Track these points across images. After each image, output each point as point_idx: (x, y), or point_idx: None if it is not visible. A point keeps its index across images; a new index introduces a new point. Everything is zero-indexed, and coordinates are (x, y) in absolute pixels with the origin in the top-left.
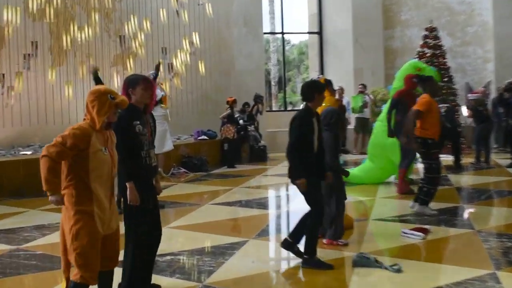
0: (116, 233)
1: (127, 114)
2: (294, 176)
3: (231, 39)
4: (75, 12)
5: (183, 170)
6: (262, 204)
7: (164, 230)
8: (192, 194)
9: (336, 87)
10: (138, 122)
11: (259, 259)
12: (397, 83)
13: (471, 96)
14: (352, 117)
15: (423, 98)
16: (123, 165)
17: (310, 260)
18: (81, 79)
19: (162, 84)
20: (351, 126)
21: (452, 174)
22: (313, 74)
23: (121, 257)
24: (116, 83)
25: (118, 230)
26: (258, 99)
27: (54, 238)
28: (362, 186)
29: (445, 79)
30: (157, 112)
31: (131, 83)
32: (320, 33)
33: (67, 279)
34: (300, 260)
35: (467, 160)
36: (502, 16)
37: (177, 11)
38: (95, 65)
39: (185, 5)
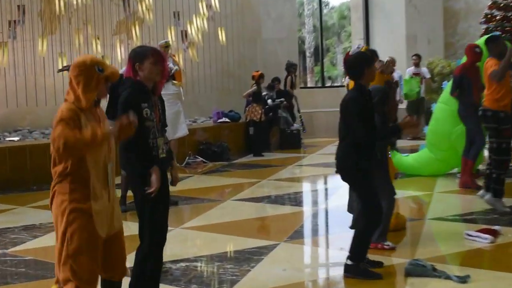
0: (119, 235)
1: (134, 93)
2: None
3: (257, 0)
4: None
5: (200, 159)
6: (295, 200)
7: (178, 231)
8: (211, 188)
9: (385, 58)
10: (146, 105)
11: (292, 267)
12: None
13: None
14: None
15: (490, 62)
16: (127, 152)
17: (355, 268)
18: (77, 50)
19: (174, 56)
20: (403, 106)
21: None
22: (356, 43)
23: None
24: (119, 55)
25: (122, 232)
26: (291, 67)
27: (47, 240)
28: (417, 178)
29: None
30: (169, 90)
31: (137, 56)
32: None
33: None
34: (341, 267)
35: None
36: None
37: None
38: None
39: None
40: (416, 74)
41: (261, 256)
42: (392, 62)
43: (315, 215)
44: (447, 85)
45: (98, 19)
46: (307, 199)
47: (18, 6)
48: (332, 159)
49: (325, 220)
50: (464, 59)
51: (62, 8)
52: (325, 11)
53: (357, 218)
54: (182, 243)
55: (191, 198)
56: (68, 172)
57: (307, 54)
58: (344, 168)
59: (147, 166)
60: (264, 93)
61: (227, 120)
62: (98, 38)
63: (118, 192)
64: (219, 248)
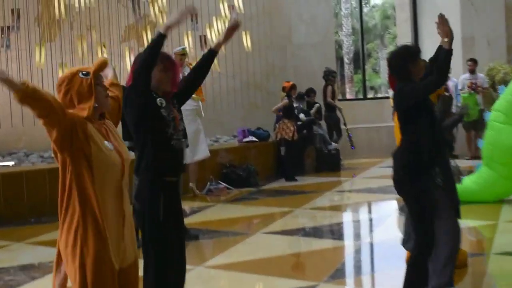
0: (134, 267)
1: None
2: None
3: None
4: None
5: (223, 185)
6: (336, 232)
7: (200, 270)
8: (236, 219)
9: None
10: (161, 101)
11: None
12: None
13: None
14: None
15: None
16: (141, 159)
17: None
18: (81, 59)
19: (191, 65)
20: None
21: None
22: None
23: None
24: (128, 64)
25: (137, 265)
26: (330, 75)
27: (47, 282)
28: (478, 204)
29: None
30: (186, 104)
31: None
32: None
33: None
34: None
35: None
36: None
37: None
38: None
39: None
40: (472, 85)
41: None
42: None
43: (358, 250)
44: (504, 91)
45: (104, 23)
46: (349, 231)
47: (12, 10)
48: (377, 183)
49: (370, 256)
50: None
51: (63, 12)
52: (365, 10)
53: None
54: (204, 284)
55: (213, 231)
56: (69, 202)
57: (345, 60)
58: (399, 175)
59: (161, 173)
60: (295, 105)
61: (254, 139)
62: (104, 46)
63: None
64: None
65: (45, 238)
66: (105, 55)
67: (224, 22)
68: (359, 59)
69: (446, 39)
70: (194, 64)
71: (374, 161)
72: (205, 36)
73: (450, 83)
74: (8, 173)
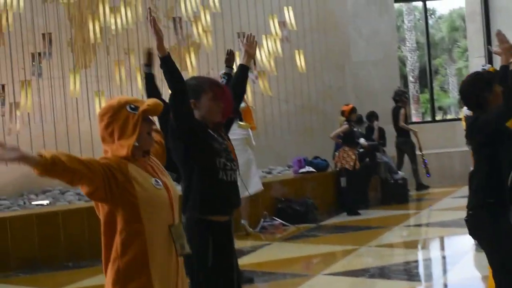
0: None
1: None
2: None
3: (344, 13)
4: None
5: (278, 221)
6: (406, 272)
7: None
8: (294, 259)
9: None
10: (210, 132)
11: None
12: None
13: None
14: None
15: None
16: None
17: None
18: (118, 87)
19: None
20: None
21: None
22: (476, 63)
23: None
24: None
25: None
26: (403, 96)
27: None
28: None
29: None
30: (235, 133)
31: (192, 90)
32: None
33: None
34: None
35: None
36: None
37: None
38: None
39: None
40: None
41: None
42: None
43: None
44: None
45: (143, 46)
46: (420, 271)
47: (43, 34)
48: (450, 216)
49: None
50: None
51: (98, 35)
52: (431, 22)
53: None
54: None
55: (269, 273)
56: (116, 254)
57: (410, 78)
58: (472, 209)
59: (210, 212)
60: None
61: (311, 169)
62: (151, 53)
63: None
64: None
65: (85, 284)
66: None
67: (275, 41)
68: (425, 77)
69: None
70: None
71: (447, 190)
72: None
73: None
74: (43, 213)
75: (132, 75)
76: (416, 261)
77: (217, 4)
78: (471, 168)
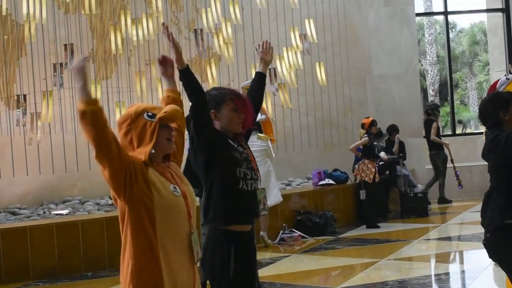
0: None
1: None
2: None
3: (366, 26)
4: None
5: (297, 233)
6: (426, 286)
7: None
8: (313, 271)
9: None
10: (231, 142)
11: None
12: None
13: None
14: None
15: None
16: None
17: None
18: (139, 97)
19: None
20: None
21: None
22: (497, 76)
23: None
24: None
25: None
26: (436, 109)
27: None
28: None
29: None
30: (254, 145)
31: (213, 100)
32: (507, 9)
33: None
34: None
35: None
36: None
37: None
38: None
39: None
40: None
41: None
42: None
43: None
44: None
45: None
46: (439, 285)
47: (65, 45)
48: (470, 230)
49: None
50: None
51: (119, 46)
52: (451, 35)
53: None
54: None
55: (288, 284)
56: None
57: (430, 91)
58: (490, 231)
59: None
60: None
61: (330, 182)
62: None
63: None
64: None
65: None
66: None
67: (296, 54)
68: (446, 90)
69: None
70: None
71: (466, 204)
72: (274, 69)
73: None
74: (62, 223)
75: (153, 86)
76: (436, 275)
77: (238, 16)
78: None
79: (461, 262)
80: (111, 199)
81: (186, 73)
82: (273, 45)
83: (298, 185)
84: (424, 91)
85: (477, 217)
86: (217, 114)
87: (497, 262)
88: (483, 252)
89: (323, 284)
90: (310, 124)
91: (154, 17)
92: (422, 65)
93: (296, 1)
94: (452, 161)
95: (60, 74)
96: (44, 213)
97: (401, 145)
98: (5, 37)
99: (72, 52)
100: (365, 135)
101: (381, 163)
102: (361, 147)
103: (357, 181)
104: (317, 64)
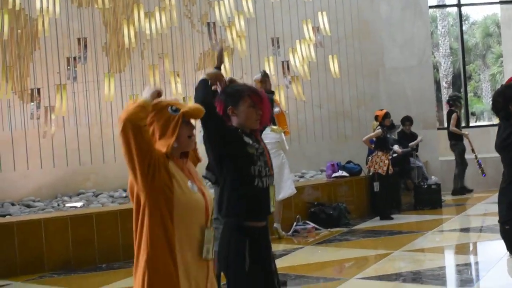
0: None
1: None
2: None
3: (379, 19)
4: None
5: (311, 225)
6: (439, 278)
7: None
8: (326, 263)
9: None
10: (247, 138)
11: None
12: None
13: None
14: None
15: None
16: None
17: None
18: (130, 103)
19: (273, 93)
20: None
21: None
22: (510, 68)
23: None
24: None
25: None
26: (458, 101)
27: None
28: None
29: None
30: (268, 137)
31: (230, 97)
32: None
33: None
34: None
35: None
36: None
37: None
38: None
39: None
40: None
41: None
42: None
43: None
44: None
45: (177, 51)
46: (453, 276)
47: (79, 39)
48: (484, 222)
49: None
50: None
51: (132, 40)
52: (464, 27)
53: None
54: None
55: (302, 276)
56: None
57: (443, 83)
58: (507, 223)
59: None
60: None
61: (344, 174)
62: (178, 75)
63: None
64: None
65: (118, 286)
66: (179, 85)
67: (309, 46)
68: (459, 82)
69: None
70: (275, 93)
71: (480, 196)
72: (287, 62)
73: None
74: (76, 215)
75: (166, 79)
76: (449, 267)
77: (251, 9)
78: None
79: (475, 253)
80: (125, 191)
81: (207, 85)
82: (286, 38)
83: (312, 177)
84: (437, 83)
85: (491, 208)
86: (234, 110)
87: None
88: (497, 244)
89: (337, 275)
90: (323, 116)
91: (167, 10)
92: (435, 57)
93: None
94: (473, 150)
95: (74, 67)
96: (58, 205)
97: (415, 137)
98: (19, 31)
99: (85, 46)
100: (379, 127)
101: (394, 155)
102: (374, 139)
103: (371, 173)
104: (330, 56)
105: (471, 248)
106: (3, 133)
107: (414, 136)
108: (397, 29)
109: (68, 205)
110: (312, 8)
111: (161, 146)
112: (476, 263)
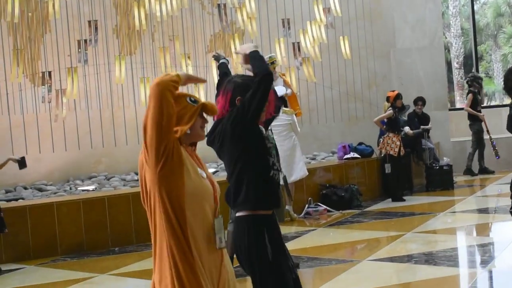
0: None
1: None
2: None
3: (390, 1)
4: None
5: (323, 207)
6: (452, 258)
7: None
8: (339, 244)
9: None
10: (262, 130)
11: None
12: None
13: None
14: None
15: None
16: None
17: None
18: (163, 73)
19: (284, 75)
20: None
21: None
22: None
23: None
24: (215, 78)
25: None
26: (475, 81)
27: None
28: None
29: None
30: (280, 119)
31: (239, 88)
32: None
33: None
34: None
35: None
36: None
37: None
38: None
39: None
40: None
41: None
42: None
43: (482, 279)
44: None
45: (187, 33)
46: (466, 257)
47: (89, 21)
48: (496, 202)
49: (490, 286)
50: None
51: (143, 22)
52: (475, 7)
53: None
54: None
55: (314, 258)
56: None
57: (454, 64)
58: None
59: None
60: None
61: (356, 155)
62: (189, 57)
63: None
64: None
65: (131, 269)
66: (189, 67)
67: (319, 27)
68: (470, 63)
69: None
70: (286, 75)
71: (492, 177)
72: (298, 43)
73: None
74: (88, 199)
75: (177, 61)
76: (462, 248)
77: None
78: None
79: (487, 234)
80: (136, 174)
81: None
82: (297, 20)
83: (323, 159)
84: (449, 64)
85: (504, 189)
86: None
87: None
88: (509, 225)
89: (349, 257)
90: (334, 98)
91: None
92: (446, 37)
93: None
94: (488, 131)
95: (85, 50)
96: (70, 189)
97: (426, 118)
98: (30, 14)
99: (96, 28)
100: (390, 108)
101: (402, 135)
102: (385, 120)
103: (382, 155)
104: (341, 38)
105: (483, 229)
106: (15, 116)
107: (426, 117)
108: (408, 9)
109: (80, 188)
110: None
111: (174, 132)
112: (489, 244)
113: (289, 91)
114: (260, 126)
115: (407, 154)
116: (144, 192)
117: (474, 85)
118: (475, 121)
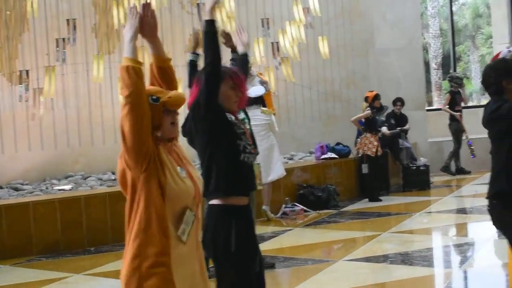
0: None
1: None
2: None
3: (369, 0)
4: None
5: (300, 207)
6: (427, 259)
7: None
8: (315, 244)
9: None
10: (230, 116)
11: None
12: None
13: None
14: None
15: None
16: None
17: None
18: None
19: (262, 75)
20: None
21: None
22: (499, 49)
23: None
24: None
25: None
26: (453, 81)
27: None
28: None
29: None
30: (257, 118)
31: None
32: None
33: None
34: None
35: None
36: None
37: None
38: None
39: None
40: None
41: None
42: None
43: (457, 279)
44: None
45: (166, 32)
46: (441, 257)
47: (68, 20)
48: (472, 203)
49: (464, 286)
50: None
51: (122, 20)
52: (454, 8)
53: None
54: None
55: (290, 258)
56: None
57: (433, 65)
58: (493, 203)
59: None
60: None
61: (333, 155)
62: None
63: None
64: None
65: (106, 269)
66: None
67: (298, 27)
68: (448, 63)
69: None
70: (264, 74)
71: (468, 177)
72: (277, 43)
73: None
74: (65, 198)
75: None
76: (437, 248)
77: None
78: None
79: (463, 234)
80: (113, 174)
81: (212, 24)
82: (276, 20)
83: (301, 159)
84: (427, 65)
85: (480, 189)
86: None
87: (498, 229)
88: (485, 225)
89: (325, 257)
90: (312, 97)
91: None
92: (424, 38)
93: None
94: (464, 131)
95: (63, 49)
96: (46, 188)
97: (404, 118)
98: (8, 12)
99: (74, 27)
100: (368, 108)
101: (380, 135)
102: (363, 120)
103: (360, 155)
104: (320, 37)
105: (459, 230)
106: None
107: (404, 118)
108: (387, 9)
109: (56, 188)
110: None
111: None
112: (464, 244)
113: (264, 89)
114: (227, 114)
115: (384, 154)
116: (129, 196)
117: (453, 84)
118: (454, 121)
